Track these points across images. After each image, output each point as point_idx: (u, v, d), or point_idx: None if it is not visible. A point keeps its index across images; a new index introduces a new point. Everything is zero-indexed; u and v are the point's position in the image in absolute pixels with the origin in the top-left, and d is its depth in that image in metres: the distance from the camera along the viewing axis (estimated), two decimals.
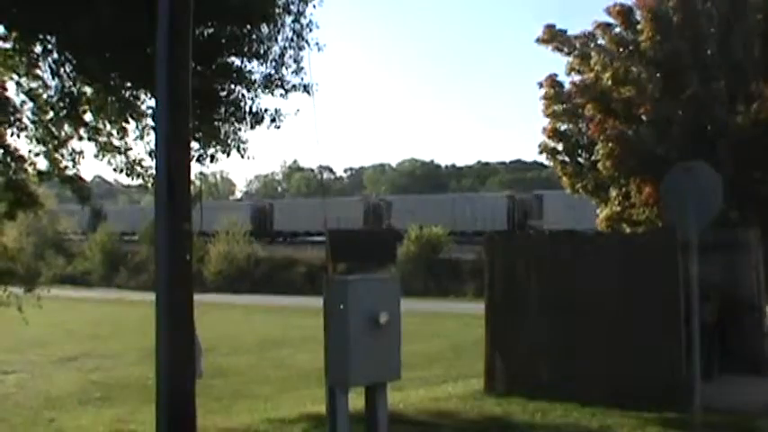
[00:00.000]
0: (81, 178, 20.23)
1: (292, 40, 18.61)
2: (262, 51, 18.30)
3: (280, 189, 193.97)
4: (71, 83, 18.47)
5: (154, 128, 14.74)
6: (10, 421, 21.34)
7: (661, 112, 25.76)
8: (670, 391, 15.72)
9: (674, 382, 15.74)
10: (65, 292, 59.25)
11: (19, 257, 22.15)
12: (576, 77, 29.33)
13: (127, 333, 39.74)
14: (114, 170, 20.04)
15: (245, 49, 18.09)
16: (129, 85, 18.15)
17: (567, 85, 29.76)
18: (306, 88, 19.08)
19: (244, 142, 19.14)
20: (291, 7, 18.54)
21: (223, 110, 18.40)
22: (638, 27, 26.75)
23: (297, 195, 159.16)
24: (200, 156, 18.80)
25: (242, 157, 19.26)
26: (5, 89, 18.53)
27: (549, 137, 29.95)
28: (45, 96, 18.97)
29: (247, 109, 18.59)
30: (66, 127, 19.36)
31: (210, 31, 17.47)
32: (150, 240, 67.45)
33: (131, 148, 19.78)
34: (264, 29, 18.15)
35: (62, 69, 18.22)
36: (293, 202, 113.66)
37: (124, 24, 15.36)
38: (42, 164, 19.51)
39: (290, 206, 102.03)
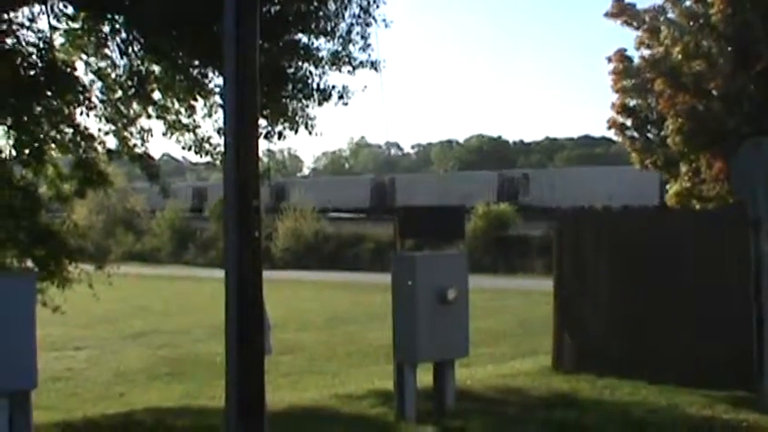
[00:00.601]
0: (150, 156, 20.39)
1: (359, 16, 18.58)
2: (329, 28, 18.30)
3: (347, 165, 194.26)
4: (139, 62, 18.60)
5: (222, 105, 14.82)
6: (81, 396, 21.62)
7: (732, 86, 25.46)
8: (740, 370, 15.57)
9: (744, 361, 15.59)
10: (134, 268, 59.74)
11: (89, 235, 22.34)
12: (646, 52, 29.11)
13: (195, 309, 40.02)
14: (183, 148, 20.20)
15: (312, 26, 18.10)
16: (196, 63, 18.23)
17: (637, 60, 29.57)
18: (373, 65, 19.08)
19: (311, 119, 19.14)
20: None
21: (291, 87, 18.41)
22: (709, 0, 26.43)
23: (364, 172, 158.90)
24: (268, 133, 18.82)
25: (310, 133, 19.29)
26: (75, 69, 18.69)
27: (618, 112, 29.79)
28: (113, 75, 19.13)
29: (315, 86, 18.59)
30: (134, 105, 19.51)
31: (277, 8, 17.49)
32: (218, 217, 67.67)
33: (199, 126, 19.90)
34: (331, 6, 18.15)
35: (130, 48, 18.36)
36: (417, 177, 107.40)
37: (191, 2, 15.43)
38: (111, 142, 19.72)
39: (413, 181, 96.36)
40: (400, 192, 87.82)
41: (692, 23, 27.05)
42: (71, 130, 19.02)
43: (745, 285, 15.57)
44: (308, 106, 18.86)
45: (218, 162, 19.57)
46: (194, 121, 19.81)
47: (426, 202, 65.82)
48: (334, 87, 18.80)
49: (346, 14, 18.44)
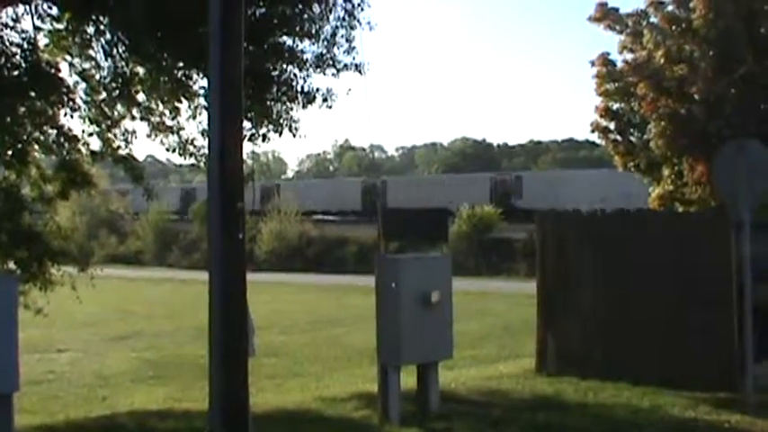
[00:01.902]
0: (134, 158, 20.35)
1: (344, 19, 18.61)
2: (313, 31, 18.34)
3: (331, 168, 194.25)
4: (123, 63, 18.57)
5: (206, 107, 14.82)
6: (63, 399, 21.51)
7: (714, 90, 25.54)
8: (722, 371, 15.66)
9: (726, 362, 15.68)
10: (118, 271, 59.62)
11: (72, 237, 22.28)
12: (629, 56, 29.16)
13: (179, 312, 39.94)
14: (167, 150, 20.19)
15: (297, 29, 18.13)
16: (181, 64, 18.23)
17: (620, 64, 29.61)
18: (357, 67, 19.13)
19: (295, 122, 19.16)
20: None
21: (275, 89, 18.43)
22: (691, 5, 26.50)
23: (348, 174, 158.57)
24: (253, 135, 18.85)
25: (294, 136, 19.32)
26: (59, 70, 18.64)
27: (602, 115, 29.81)
28: (98, 77, 19.09)
29: (299, 88, 18.63)
30: (118, 107, 19.47)
31: (262, 10, 17.52)
32: (202, 219, 67.52)
33: (184, 128, 19.90)
34: (316, 8, 18.18)
35: (115, 50, 18.33)
36: (547, 174, 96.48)
37: (176, 4, 15.44)
38: (95, 144, 19.65)
39: (542, 178, 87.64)
40: (528, 189, 79.67)
41: (674, 28, 27.11)
42: (54, 132, 18.99)
43: (728, 287, 15.68)
44: (292, 109, 18.90)
45: (202, 164, 19.55)
46: (178, 123, 19.82)
47: (561, 203, 57.70)
48: (318, 90, 18.86)
49: (331, 17, 18.50)
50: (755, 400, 14.55)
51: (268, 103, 18.57)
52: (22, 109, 18.05)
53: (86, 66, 19.10)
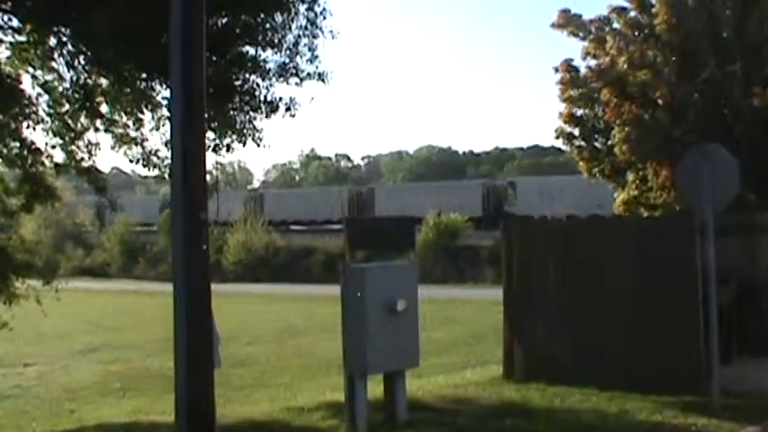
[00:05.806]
0: (98, 170, 20.25)
1: (306, 28, 18.61)
2: (276, 40, 18.32)
3: (297, 178, 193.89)
4: (86, 75, 18.49)
5: (169, 118, 14.77)
6: (30, 413, 21.43)
7: (677, 95, 25.66)
8: (688, 374, 15.74)
9: (692, 365, 15.76)
10: (84, 283, 59.38)
11: (37, 250, 22.15)
12: (592, 62, 29.25)
13: (146, 324, 39.74)
14: (131, 161, 20.08)
15: (259, 38, 18.11)
16: (144, 75, 18.17)
17: (583, 70, 29.69)
18: (320, 76, 19.12)
19: (259, 131, 19.15)
20: None
21: (238, 99, 18.40)
22: (653, 10, 26.62)
23: (314, 184, 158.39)
24: (216, 145, 18.83)
25: (258, 146, 19.32)
26: (20, 82, 18.54)
27: (566, 122, 29.87)
28: (60, 89, 18.99)
29: (262, 98, 18.61)
30: (82, 119, 19.37)
31: (224, 20, 17.50)
32: (168, 231, 67.21)
33: (147, 139, 19.80)
34: (278, 17, 18.16)
35: (77, 61, 18.25)
36: (541, 180, 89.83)
37: (138, 15, 15.39)
38: (59, 156, 19.54)
39: (536, 184, 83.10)
40: (523, 196, 77.13)
41: (637, 33, 27.23)
42: (17, 144, 18.89)
43: (693, 291, 15.77)
44: (255, 119, 18.88)
45: (166, 175, 19.47)
46: (142, 134, 19.73)
47: (565, 209, 52.67)
48: (281, 99, 18.85)
49: (293, 26, 18.48)
50: (721, 402, 14.64)
51: (231, 113, 18.54)
52: None
53: (49, 78, 19.00)
